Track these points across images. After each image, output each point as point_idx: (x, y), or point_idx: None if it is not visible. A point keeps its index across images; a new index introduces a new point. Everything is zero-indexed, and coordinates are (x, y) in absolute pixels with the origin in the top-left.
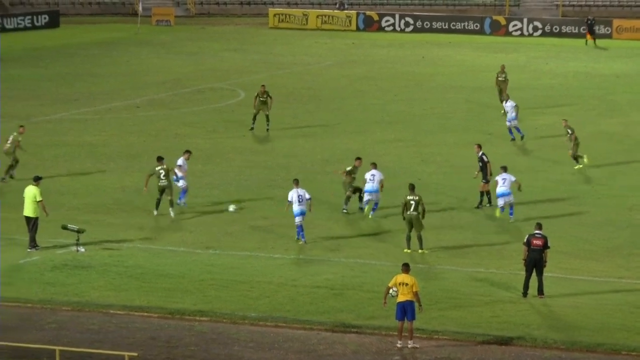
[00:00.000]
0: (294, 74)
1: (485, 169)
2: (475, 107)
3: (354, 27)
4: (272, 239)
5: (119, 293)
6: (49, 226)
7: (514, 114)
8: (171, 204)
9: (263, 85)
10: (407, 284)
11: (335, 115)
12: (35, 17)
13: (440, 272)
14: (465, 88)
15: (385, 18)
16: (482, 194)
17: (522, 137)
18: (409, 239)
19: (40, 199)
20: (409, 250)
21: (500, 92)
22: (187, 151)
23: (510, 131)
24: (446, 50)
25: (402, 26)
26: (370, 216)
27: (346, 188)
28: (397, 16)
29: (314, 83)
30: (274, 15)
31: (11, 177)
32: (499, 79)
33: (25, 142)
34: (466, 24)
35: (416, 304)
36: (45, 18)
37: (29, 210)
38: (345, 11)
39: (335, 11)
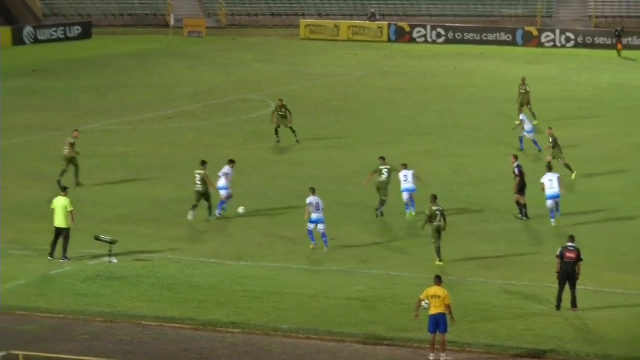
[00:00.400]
0: (325, 85)
1: (521, 181)
2: (506, 119)
3: (385, 38)
4: (304, 250)
5: (151, 304)
6: (82, 237)
7: (531, 126)
8: (210, 209)
9: (281, 100)
10: (439, 297)
11: (366, 127)
12: (68, 29)
13: (472, 285)
14: (497, 100)
15: (417, 29)
16: (518, 204)
17: (539, 151)
18: (439, 250)
19: (71, 209)
20: (441, 263)
21: (522, 104)
22: (232, 161)
23: (521, 140)
24: (478, 62)
25: (434, 37)
26: (413, 214)
27: (381, 193)
28: (428, 27)
29: (346, 94)
30: (306, 26)
31: (78, 184)
32: (521, 91)
33: (59, 153)
34: (498, 35)
35: (448, 317)
36: (78, 29)
37: (60, 221)
38: (377, 22)
39: (367, 22)
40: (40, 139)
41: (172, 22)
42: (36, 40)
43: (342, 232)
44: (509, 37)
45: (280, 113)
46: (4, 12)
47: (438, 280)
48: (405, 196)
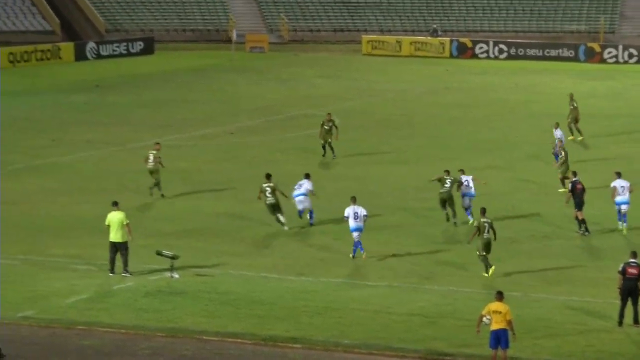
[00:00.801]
0: (387, 101)
1: (580, 196)
2: (568, 135)
3: (447, 53)
4: (365, 266)
5: (212, 319)
6: (144, 252)
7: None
8: (279, 218)
9: (329, 114)
10: (500, 312)
11: (427, 142)
12: (130, 44)
13: (534, 300)
14: (559, 116)
15: (479, 45)
16: (577, 219)
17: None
18: (486, 262)
19: (127, 222)
20: (487, 275)
21: (574, 120)
22: (308, 174)
23: (556, 156)
24: (540, 78)
25: (496, 53)
26: (470, 221)
27: (448, 204)
28: (491, 43)
29: (407, 110)
30: (368, 42)
31: (162, 195)
32: (570, 107)
33: (121, 168)
34: (560, 51)
35: (510, 332)
36: (140, 45)
37: (118, 236)
38: (439, 38)
39: (429, 38)
40: (101, 153)
41: (234, 37)
42: (98, 56)
43: (404, 247)
44: (571, 53)
45: (325, 127)
46: (67, 27)
47: (499, 296)
48: (466, 201)
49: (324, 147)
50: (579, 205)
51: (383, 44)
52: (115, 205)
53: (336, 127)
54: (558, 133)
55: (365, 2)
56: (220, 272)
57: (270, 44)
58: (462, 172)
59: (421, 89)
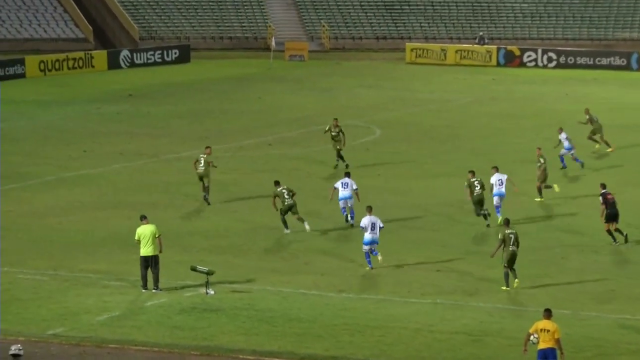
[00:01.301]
0: (431, 111)
1: (612, 207)
2: (620, 145)
3: (494, 62)
4: (407, 283)
5: (249, 337)
6: (178, 268)
7: (570, 144)
8: (301, 219)
9: (335, 119)
10: (548, 331)
11: (474, 154)
12: (165, 52)
13: (584, 319)
14: (611, 127)
15: (527, 53)
16: (609, 232)
17: (582, 165)
18: (507, 275)
19: (159, 234)
20: (508, 288)
21: (595, 133)
22: (348, 173)
23: (562, 159)
24: (591, 87)
25: (545, 62)
26: (498, 221)
27: (482, 204)
28: (539, 51)
29: (453, 121)
30: (411, 50)
31: (208, 203)
32: (587, 122)
33: (155, 180)
34: (612, 59)
35: (558, 352)
36: (175, 53)
37: (150, 249)
38: (486, 46)
39: (475, 46)
40: (135, 165)
41: (273, 45)
42: (132, 64)
43: (450, 263)
44: (623, 62)
45: (332, 133)
46: (100, 35)
47: (547, 314)
48: (496, 200)
49: (339, 156)
50: (613, 216)
51: (427, 52)
52: (144, 219)
53: (343, 133)
54: (563, 136)
55: (410, 9)
56: (257, 288)
57: (311, 52)
58: (496, 169)
59: (467, 99)
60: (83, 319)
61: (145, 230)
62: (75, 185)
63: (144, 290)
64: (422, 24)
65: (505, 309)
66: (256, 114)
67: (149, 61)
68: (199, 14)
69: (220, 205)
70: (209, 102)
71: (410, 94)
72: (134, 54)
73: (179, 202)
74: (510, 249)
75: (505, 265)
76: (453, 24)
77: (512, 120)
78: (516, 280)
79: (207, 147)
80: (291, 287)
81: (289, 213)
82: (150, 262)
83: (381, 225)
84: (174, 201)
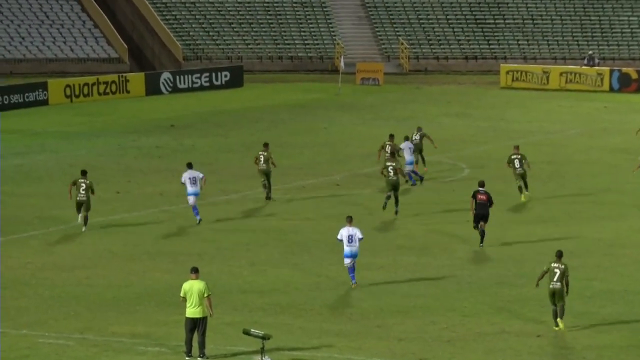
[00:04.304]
0: (530, 145)
1: (481, 208)
2: None
3: (606, 87)
4: (501, 350)
5: None
6: (229, 330)
7: None
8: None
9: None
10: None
11: (581, 197)
12: (213, 75)
13: None
14: None
15: None
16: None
17: None
18: (556, 314)
19: (209, 293)
20: (557, 328)
21: None
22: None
23: None
24: None
25: None
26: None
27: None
28: None
29: (556, 156)
30: (507, 72)
31: (269, 198)
32: None
33: (201, 228)
34: None
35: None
36: (225, 76)
37: (196, 311)
38: (596, 67)
39: (584, 67)
40: (177, 210)
41: (342, 66)
42: (175, 89)
43: (551, 325)
44: None
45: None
46: (137, 55)
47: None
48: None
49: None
50: (480, 217)
51: (526, 74)
52: (195, 272)
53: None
54: None
55: (505, 24)
56: (322, 355)
57: (386, 74)
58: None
59: (573, 131)
60: None
61: (192, 287)
62: (106, 232)
63: (187, 358)
64: (519, 42)
65: None
66: (321, 148)
67: (195, 85)
68: (254, 29)
69: (278, 256)
70: (264, 134)
71: (504, 124)
72: (177, 77)
73: (228, 253)
74: (552, 285)
75: (550, 302)
76: (557, 41)
77: (627, 155)
78: (559, 320)
79: (265, 145)
80: (362, 355)
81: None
82: (197, 325)
83: (360, 236)
84: (223, 252)
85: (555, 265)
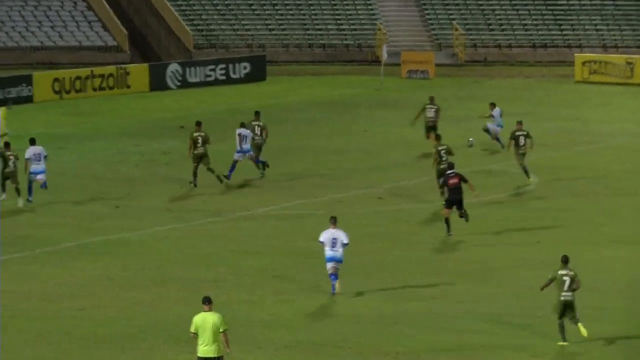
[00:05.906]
0: (610, 150)
1: (454, 194)
2: None
3: None
4: None
5: None
6: None
7: None
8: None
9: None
10: None
11: None
12: (231, 66)
13: None
14: None
15: None
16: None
17: None
18: (562, 327)
19: (226, 328)
20: (565, 343)
21: None
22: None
23: None
24: None
25: None
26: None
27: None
28: None
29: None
30: (583, 63)
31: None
32: None
33: (216, 249)
34: None
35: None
36: (245, 67)
37: (212, 349)
38: None
39: None
40: (187, 227)
41: (384, 56)
42: (184, 83)
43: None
44: None
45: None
46: (139, 42)
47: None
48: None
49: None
50: (454, 203)
51: (606, 66)
52: (208, 303)
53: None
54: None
55: (580, 7)
56: None
57: (438, 65)
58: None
59: None
60: None
61: (205, 321)
62: (102, 254)
63: None
64: (598, 27)
65: None
66: (359, 154)
67: (209, 79)
68: (280, 12)
69: (308, 283)
70: (291, 137)
71: (579, 125)
72: (187, 69)
73: (249, 280)
74: (562, 296)
75: (557, 314)
76: None
77: None
78: (580, 326)
79: (198, 124)
80: None
81: None
82: None
83: (345, 241)
84: (242, 278)
85: (563, 272)
